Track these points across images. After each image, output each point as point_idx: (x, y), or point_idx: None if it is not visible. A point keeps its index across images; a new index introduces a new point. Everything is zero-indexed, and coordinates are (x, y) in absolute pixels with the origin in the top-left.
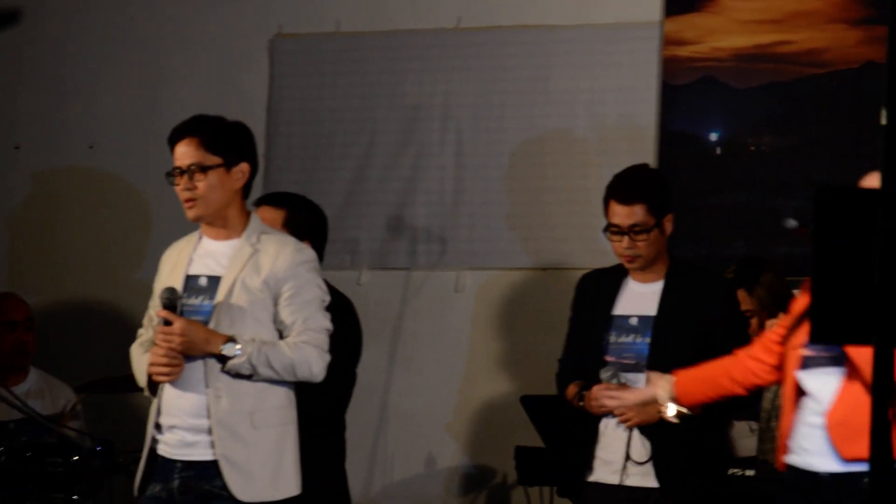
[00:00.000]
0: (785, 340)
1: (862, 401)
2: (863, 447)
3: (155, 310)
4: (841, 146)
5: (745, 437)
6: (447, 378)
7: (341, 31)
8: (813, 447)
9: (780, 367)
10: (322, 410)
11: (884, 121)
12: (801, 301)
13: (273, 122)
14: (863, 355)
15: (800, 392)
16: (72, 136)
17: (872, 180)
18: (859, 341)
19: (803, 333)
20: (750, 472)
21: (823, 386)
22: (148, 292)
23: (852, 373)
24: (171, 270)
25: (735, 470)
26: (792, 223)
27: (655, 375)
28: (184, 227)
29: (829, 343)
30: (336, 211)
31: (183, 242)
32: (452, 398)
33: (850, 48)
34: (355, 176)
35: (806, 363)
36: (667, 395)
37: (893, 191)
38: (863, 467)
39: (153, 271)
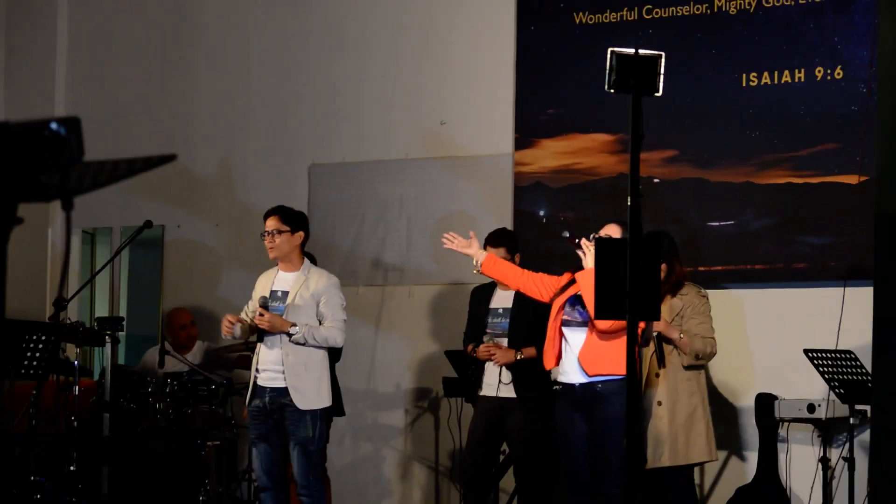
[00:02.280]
0: (556, 295)
1: (596, 344)
2: (599, 367)
3: (253, 308)
4: (604, 216)
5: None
6: (406, 344)
7: (353, 162)
8: (571, 369)
9: (548, 298)
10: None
11: (629, 202)
12: (565, 278)
13: (310, 214)
14: (600, 321)
15: (561, 337)
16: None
17: (609, 229)
18: (619, 317)
19: (563, 299)
20: (559, 387)
21: (577, 336)
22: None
23: (592, 328)
24: (262, 287)
25: (556, 386)
26: (566, 233)
27: (474, 240)
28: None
29: (606, 318)
30: (342, 257)
31: (268, 272)
32: (410, 353)
33: (610, 165)
34: (353, 238)
35: (567, 322)
36: (478, 259)
37: (635, 240)
38: (598, 379)
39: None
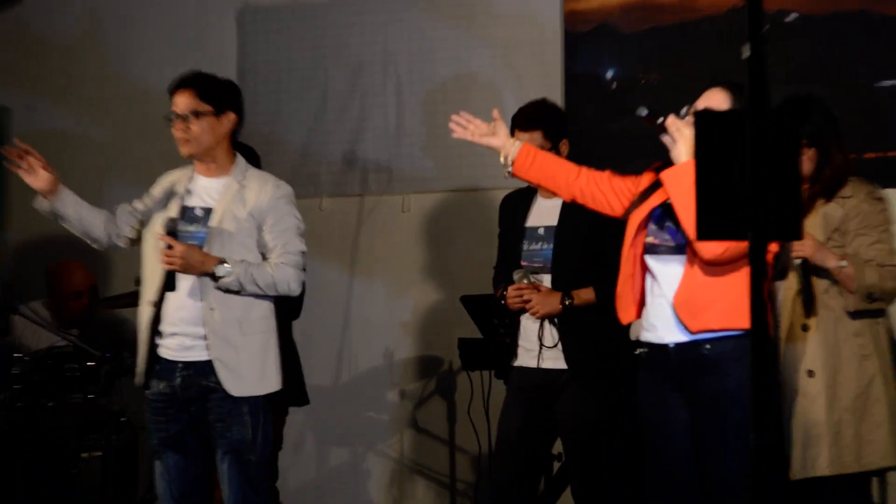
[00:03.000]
0: (631, 206)
1: (702, 282)
2: (706, 320)
3: (157, 234)
4: (711, 78)
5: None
6: (399, 286)
7: (297, 2)
8: (662, 323)
9: (622, 211)
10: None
11: (746, 54)
12: (646, 179)
13: (242, 79)
14: (703, 245)
15: (644, 266)
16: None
17: (713, 97)
18: (737, 237)
19: (644, 213)
20: (643, 350)
21: (669, 272)
22: None
23: (692, 259)
24: (166, 197)
25: (641, 350)
26: (643, 111)
27: (500, 125)
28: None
29: (713, 238)
30: (299, 149)
31: (177, 174)
32: (404, 302)
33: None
34: (312, 121)
35: (650, 249)
36: (508, 155)
37: (758, 112)
38: (704, 336)
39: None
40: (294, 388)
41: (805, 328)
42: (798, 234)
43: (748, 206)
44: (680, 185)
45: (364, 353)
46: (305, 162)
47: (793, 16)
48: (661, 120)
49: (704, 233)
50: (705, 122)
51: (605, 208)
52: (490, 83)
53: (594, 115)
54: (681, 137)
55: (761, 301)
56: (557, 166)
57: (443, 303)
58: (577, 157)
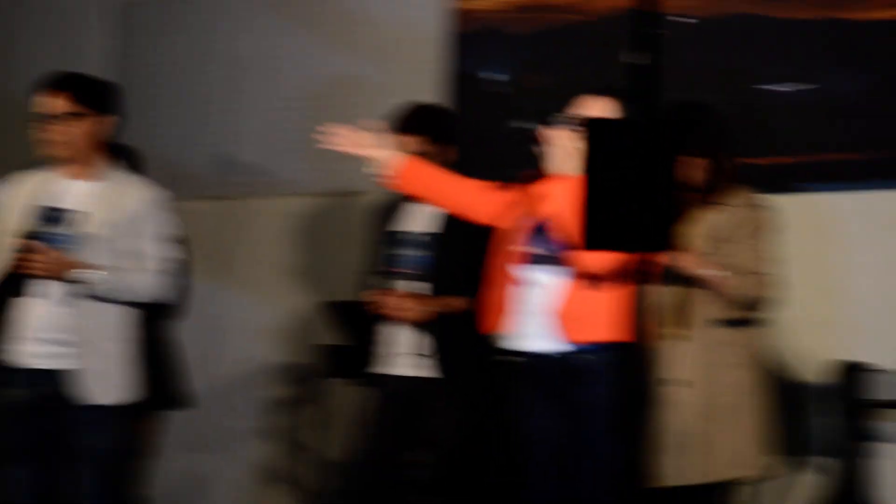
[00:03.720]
0: (506, 215)
1: (580, 293)
2: (584, 333)
3: (13, 238)
4: (600, 81)
5: None
6: (264, 289)
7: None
8: (536, 332)
9: (497, 222)
10: (162, 320)
11: (637, 60)
12: (521, 188)
13: (118, 78)
14: (588, 256)
15: (513, 282)
16: None
17: (593, 104)
18: (623, 248)
19: (520, 220)
20: (521, 358)
21: (545, 281)
22: None
23: (571, 270)
24: (24, 201)
25: (507, 357)
26: (517, 126)
27: (383, 136)
28: None
29: (599, 249)
30: (174, 151)
31: (35, 175)
32: (269, 307)
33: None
34: (188, 121)
35: (528, 259)
36: (385, 160)
37: (651, 122)
38: (583, 347)
39: None
40: (176, 390)
41: (679, 337)
42: (680, 245)
43: (637, 217)
44: (559, 196)
45: (228, 359)
46: (179, 164)
47: (685, 20)
48: (535, 132)
49: (593, 242)
50: (598, 131)
51: (482, 217)
52: (375, 85)
53: (481, 119)
54: (559, 146)
55: (641, 311)
56: (439, 180)
57: (307, 308)
58: (465, 161)
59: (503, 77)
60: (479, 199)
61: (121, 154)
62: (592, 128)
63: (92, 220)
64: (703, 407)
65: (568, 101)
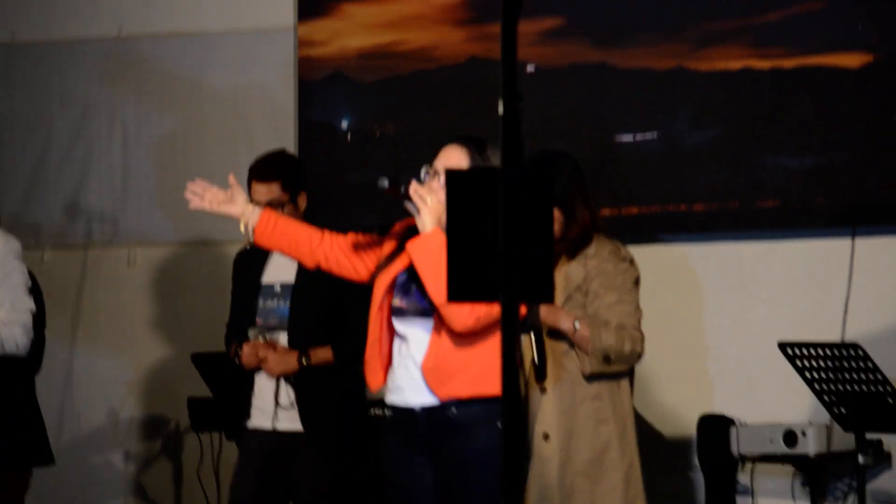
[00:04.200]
0: (377, 269)
1: (448, 348)
2: (454, 387)
3: None
4: (453, 128)
5: None
6: (125, 341)
7: (16, 41)
8: (408, 386)
9: (367, 276)
10: (16, 372)
11: (500, 110)
12: (390, 241)
13: None
14: (450, 309)
15: (392, 331)
16: None
17: (451, 155)
18: (487, 298)
19: (390, 276)
20: (388, 412)
21: (415, 336)
22: None
23: (438, 326)
24: None
25: (377, 410)
26: (384, 182)
27: (238, 191)
28: None
29: (462, 300)
30: (18, 199)
31: None
32: (129, 359)
33: (455, 45)
34: (34, 168)
35: (397, 312)
36: (248, 219)
37: (510, 169)
38: (453, 402)
39: None
40: (38, 446)
41: (543, 391)
42: (550, 296)
43: (500, 266)
44: (426, 256)
45: (87, 413)
46: (26, 211)
47: (531, 68)
48: (403, 189)
49: (455, 294)
50: (455, 182)
51: (351, 273)
52: (221, 129)
53: (329, 166)
54: (424, 206)
55: (513, 365)
56: (299, 232)
57: (170, 360)
58: (311, 208)
59: (351, 124)
60: (352, 253)
61: None
62: (451, 179)
63: None
64: (563, 462)
65: (417, 148)
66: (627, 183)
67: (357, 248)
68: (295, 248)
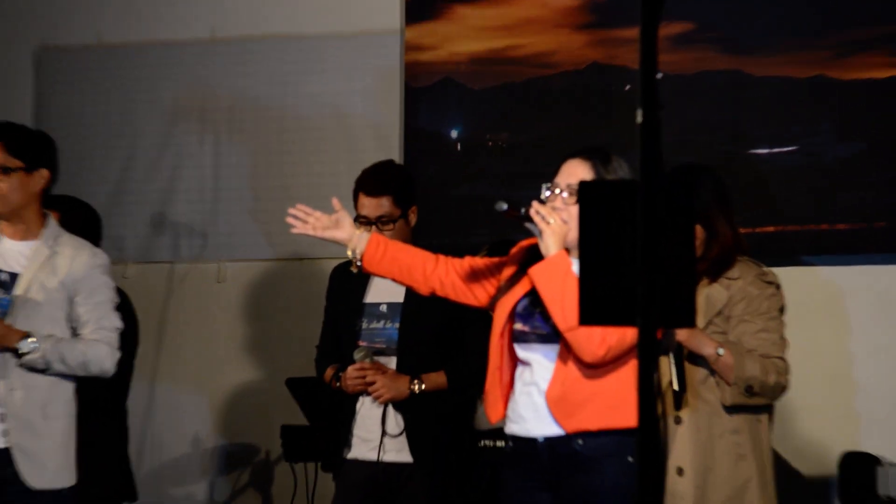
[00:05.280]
0: (498, 294)
1: (575, 376)
2: (582, 420)
3: None
4: (570, 139)
5: None
6: (211, 364)
7: (103, 43)
8: (531, 415)
9: (487, 301)
10: (104, 399)
11: (639, 119)
12: (511, 262)
13: (38, 127)
14: (579, 338)
15: (513, 358)
16: None
17: (575, 168)
18: (623, 322)
19: (512, 301)
20: (500, 443)
21: (539, 362)
22: None
23: (564, 350)
24: None
25: (486, 441)
26: (502, 206)
27: (344, 215)
28: None
29: (595, 324)
30: (101, 210)
31: None
32: (216, 382)
33: (575, 51)
34: (119, 177)
35: (519, 337)
36: (355, 245)
37: (650, 182)
38: (580, 434)
39: None
40: (123, 479)
41: (678, 421)
42: (692, 321)
43: (638, 287)
44: (551, 281)
45: (169, 441)
46: (108, 224)
47: (658, 75)
48: (523, 210)
49: (588, 317)
50: (589, 195)
51: (470, 299)
52: (321, 139)
53: (436, 178)
54: (547, 228)
55: (651, 395)
56: (412, 257)
57: (261, 384)
58: (418, 224)
59: (461, 134)
60: (471, 278)
61: (76, 212)
62: (584, 191)
63: (26, 282)
64: (698, 500)
65: (532, 161)
66: (764, 200)
67: (475, 271)
68: (407, 275)
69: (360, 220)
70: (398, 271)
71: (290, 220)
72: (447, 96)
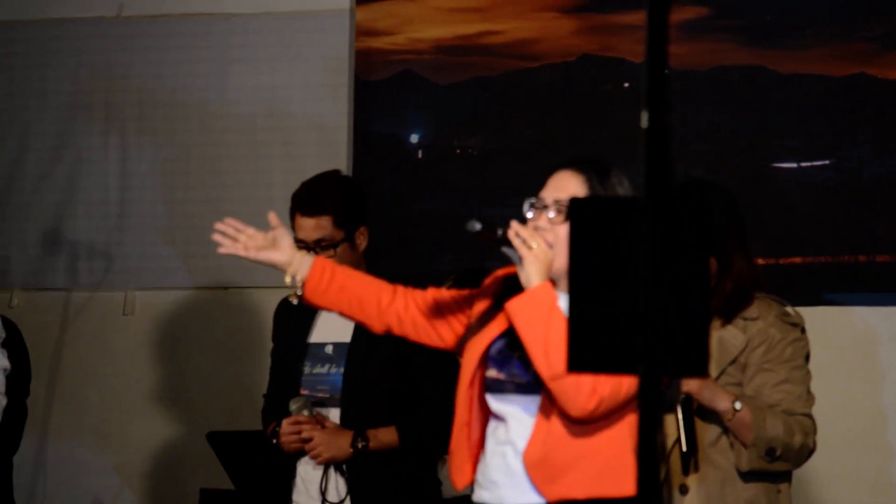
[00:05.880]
0: (467, 334)
1: (559, 434)
2: (566, 487)
3: None
4: (556, 146)
5: None
6: (116, 412)
7: None
8: (505, 481)
9: (454, 342)
10: None
11: (644, 124)
12: (484, 297)
13: None
14: (565, 388)
15: (484, 412)
16: None
17: (565, 181)
18: (621, 370)
19: (483, 343)
20: None
21: (516, 417)
22: None
23: (546, 403)
24: None
25: None
26: (475, 226)
27: (282, 233)
28: None
29: (589, 372)
30: None
31: None
32: (123, 435)
33: (563, 39)
34: (4, 186)
35: (492, 387)
36: (295, 270)
37: (658, 199)
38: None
39: None
40: None
41: (683, 490)
42: (705, 369)
43: (640, 328)
44: (532, 318)
45: None
46: None
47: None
48: (500, 232)
49: (578, 363)
50: (581, 214)
51: (433, 339)
52: (253, 143)
53: (392, 192)
54: (528, 254)
55: (653, 460)
56: (364, 287)
57: (176, 438)
58: (370, 248)
59: (424, 138)
60: (434, 314)
61: None
62: (576, 210)
63: None
64: None
65: (510, 172)
66: (789, 224)
67: (440, 307)
68: (358, 309)
69: (299, 245)
70: (347, 304)
71: (216, 237)
72: (406, 92)
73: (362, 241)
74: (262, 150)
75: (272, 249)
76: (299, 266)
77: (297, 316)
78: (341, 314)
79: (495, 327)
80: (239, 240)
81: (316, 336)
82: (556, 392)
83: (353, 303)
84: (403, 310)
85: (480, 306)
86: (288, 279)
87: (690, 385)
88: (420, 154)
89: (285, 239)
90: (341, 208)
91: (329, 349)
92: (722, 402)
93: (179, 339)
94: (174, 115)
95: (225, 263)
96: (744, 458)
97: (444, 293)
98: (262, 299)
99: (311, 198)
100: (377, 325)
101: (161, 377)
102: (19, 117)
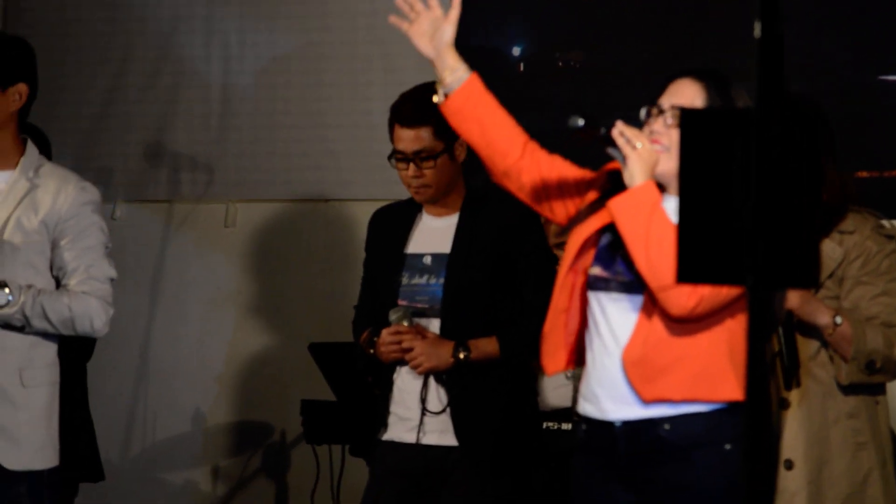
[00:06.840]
0: (577, 218)
1: (660, 335)
2: (663, 388)
3: None
4: (656, 62)
5: (560, 386)
6: (217, 324)
7: None
8: (606, 391)
9: (565, 219)
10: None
11: (757, 33)
12: (597, 184)
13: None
14: (670, 295)
15: (583, 301)
16: None
17: (683, 89)
18: (730, 281)
19: (583, 236)
20: (567, 426)
21: (619, 316)
22: None
23: (648, 303)
24: None
25: (549, 423)
26: (578, 122)
27: (450, 24)
28: None
29: (696, 281)
30: (85, 137)
31: None
32: (223, 347)
33: None
34: (107, 98)
35: (599, 284)
36: (453, 73)
37: (770, 111)
38: (662, 410)
39: None
40: (84, 459)
41: (784, 404)
42: (815, 280)
43: (750, 239)
44: (634, 218)
45: (166, 415)
46: (92, 155)
47: None
48: (604, 130)
49: (687, 274)
50: (694, 125)
51: (545, 210)
52: (350, 57)
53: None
54: (632, 153)
55: (762, 369)
56: (504, 120)
57: (277, 350)
58: (467, 163)
59: (526, 51)
60: (555, 183)
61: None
62: (687, 120)
63: (1, 224)
64: (813, 498)
65: (613, 85)
66: (892, 137)
67: (561, 183)
68: (495, 134)
69: (397, 157)
70: (488, 123)
71: (393, 18)
72: (509, 5)
73: (461, 153)
74: (362, 63)
75: (427, 38)
76: (458, 72)
77: (393, 226)
78: (470, 138)
79: (597, 220)
80: (411, 17)
81: (413, 247)
82: (656, 290)
83: (493, 127)
84: (528, 169)
85: (591, 195)
86: (440, 78)
87: (791, 300)
88: (521, 67)
89: (445, 34)
90: (441, 120)
91: (427, 260)
92: (822, 317)
93: (279, 252)
94: (275, 27)
95: (324, 177)
96: (844, 372)
97: (568, 166)
98: (360, 211)
99: (410, 109)
100: (499, 163)
101: (261, 289)
102: (122, 28)
